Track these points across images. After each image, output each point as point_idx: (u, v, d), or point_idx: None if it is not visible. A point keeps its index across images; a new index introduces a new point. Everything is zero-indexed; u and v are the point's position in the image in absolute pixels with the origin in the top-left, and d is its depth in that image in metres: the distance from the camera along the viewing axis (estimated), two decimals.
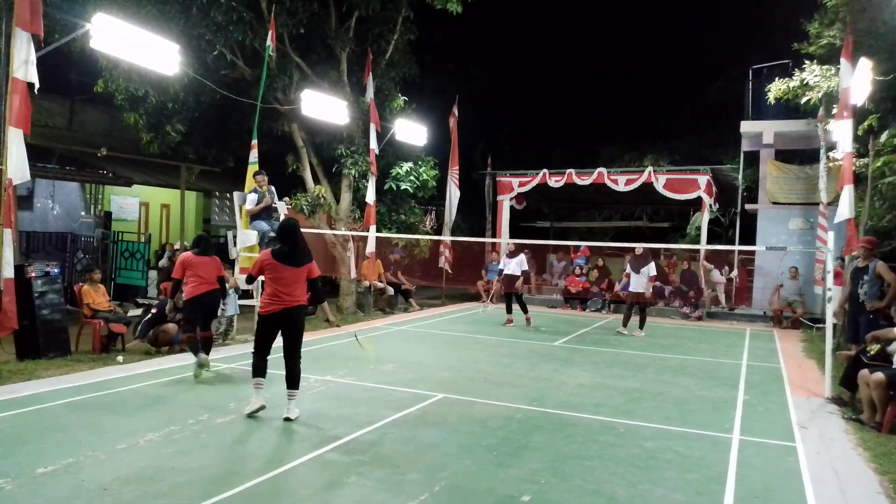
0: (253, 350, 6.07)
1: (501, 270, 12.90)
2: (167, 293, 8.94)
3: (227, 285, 8.52)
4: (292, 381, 5.91)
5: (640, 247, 11.95)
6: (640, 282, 11.86)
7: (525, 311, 12.72)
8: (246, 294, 10.58)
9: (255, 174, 10.55)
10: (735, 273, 16.42)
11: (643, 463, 5.06)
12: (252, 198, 10.31)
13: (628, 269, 12.12)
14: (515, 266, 12.60)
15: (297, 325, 5.94)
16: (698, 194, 16.09)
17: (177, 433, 5.36)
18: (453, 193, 17.16)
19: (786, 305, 14.29)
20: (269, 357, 6.06)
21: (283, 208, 10.68)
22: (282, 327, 5.95)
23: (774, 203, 16.21)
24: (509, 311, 12.90)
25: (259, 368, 5.99)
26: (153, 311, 9.05)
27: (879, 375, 6.11)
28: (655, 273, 12.12)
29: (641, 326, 12.08)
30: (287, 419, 5.79)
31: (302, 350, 6.04)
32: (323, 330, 11.28)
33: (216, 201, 19.06)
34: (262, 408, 5.93)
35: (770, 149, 16.39)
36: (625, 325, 12.07)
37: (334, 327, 6.91)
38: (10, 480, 4.26)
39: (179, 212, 14.77)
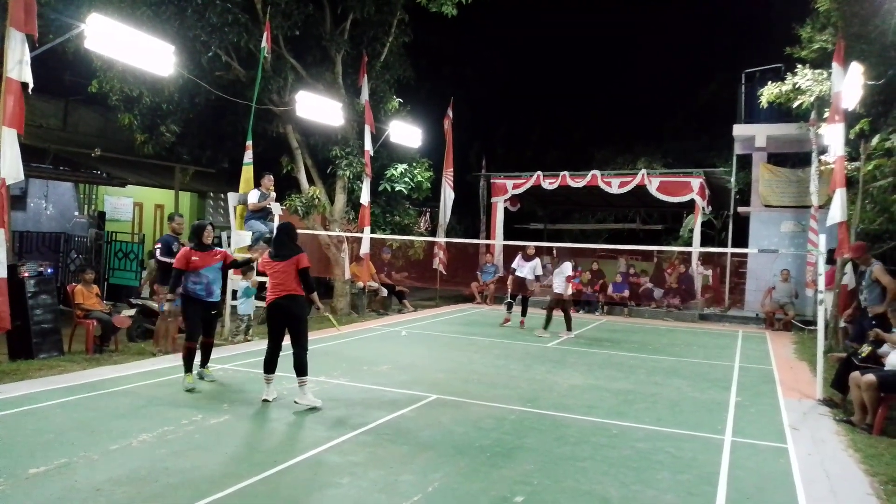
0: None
1: (514, 269, 12.83)
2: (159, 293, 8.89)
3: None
4: (297, 368, 6.35)
5: (556, 247, 11.88)
6: (558, 282, 11.67)
7: (524, 313, 12.79)
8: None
9: (263, 176, 10.86)
10: (706, 271, 16.50)
11: (635, 464, 5.08)
12: (255, 193, 10.69)
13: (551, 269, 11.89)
14: (529, 271, 12.56)
15: (291, 313, 6.43)
16: (691, 197, 16.18)
17: (170, 434, 5.36)
18: (448, 195, 17.19)
19: (778, 308, 14.36)
20: (280, 354, 6.56)
21: (277, 209, 10.71)
22: (282, 316, 6.48)
23: (766, 206, 16.30)
24: (510, 309, 12.98)
25: (268, 363, 6.56)
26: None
27: (870, 377, 6.16)
28: (571, 273, 11.92)
29: (568, 328, 11.81)
30: (295, 402, 6.30)
31: (307, 343, 6.50)
32: (319, 330, 11.33)
33: (210, 202, 19.01)
34: (266, 401, 6.47)
35: (762, 152, 16.49)
36: (545, 326, 11.76)
37: (325, 315, 7.76)
38: (3, 481, 4.25)
39: (174, 212, 14.73)
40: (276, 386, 6.63)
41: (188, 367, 7.00)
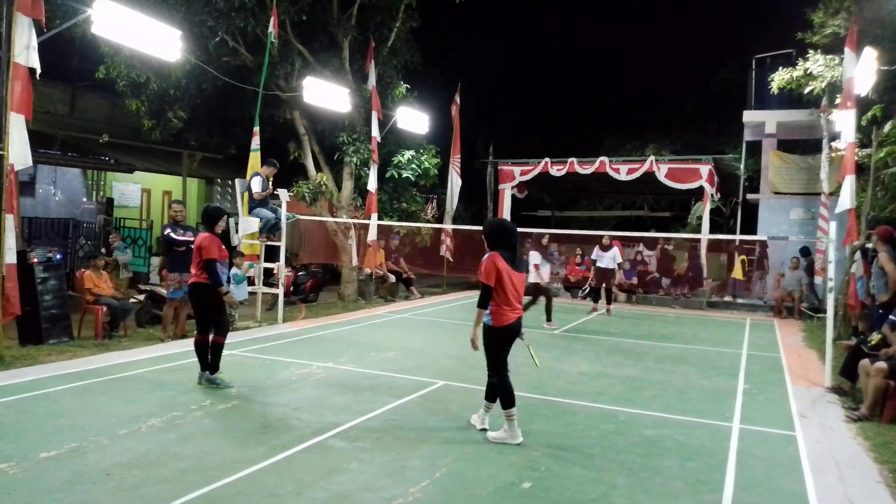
0: None
1: (595, 261, 13.04)
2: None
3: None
4: (497, 397, 5.53)
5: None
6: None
7: (609, 302, 13.19)
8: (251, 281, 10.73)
9: (268, 164, 10.49)
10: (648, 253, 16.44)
11: (643, 451, 5.08)
12: (258, 181, 10.32)
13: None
14: (610, 260, 12.84)
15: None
16: (700, 184, 16.05)
17: (179, 419, 5.38)
18: (455, 182, 17.13)
19: (786, 295, 14.30)
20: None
21: (284, 196, 10.67)
22: (511, 340, 5.86)
23: (776, 193, 16.20)
24: (597, 300, 13.37)
25: (503, 395, 5.52)
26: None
27: (880, 365, 6.12)
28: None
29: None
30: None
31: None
32: (326, 316, 11.35)
33: (218, 188, 19.02)
34: (483, 430, 5.43)
35: (772, 139, 16.36)
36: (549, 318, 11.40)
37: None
38: (14, 465, 4.29)
39: (181, 199, 14.76)
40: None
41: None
